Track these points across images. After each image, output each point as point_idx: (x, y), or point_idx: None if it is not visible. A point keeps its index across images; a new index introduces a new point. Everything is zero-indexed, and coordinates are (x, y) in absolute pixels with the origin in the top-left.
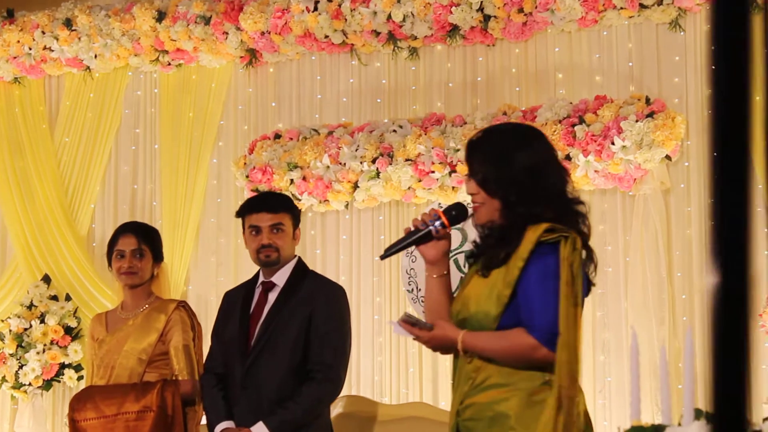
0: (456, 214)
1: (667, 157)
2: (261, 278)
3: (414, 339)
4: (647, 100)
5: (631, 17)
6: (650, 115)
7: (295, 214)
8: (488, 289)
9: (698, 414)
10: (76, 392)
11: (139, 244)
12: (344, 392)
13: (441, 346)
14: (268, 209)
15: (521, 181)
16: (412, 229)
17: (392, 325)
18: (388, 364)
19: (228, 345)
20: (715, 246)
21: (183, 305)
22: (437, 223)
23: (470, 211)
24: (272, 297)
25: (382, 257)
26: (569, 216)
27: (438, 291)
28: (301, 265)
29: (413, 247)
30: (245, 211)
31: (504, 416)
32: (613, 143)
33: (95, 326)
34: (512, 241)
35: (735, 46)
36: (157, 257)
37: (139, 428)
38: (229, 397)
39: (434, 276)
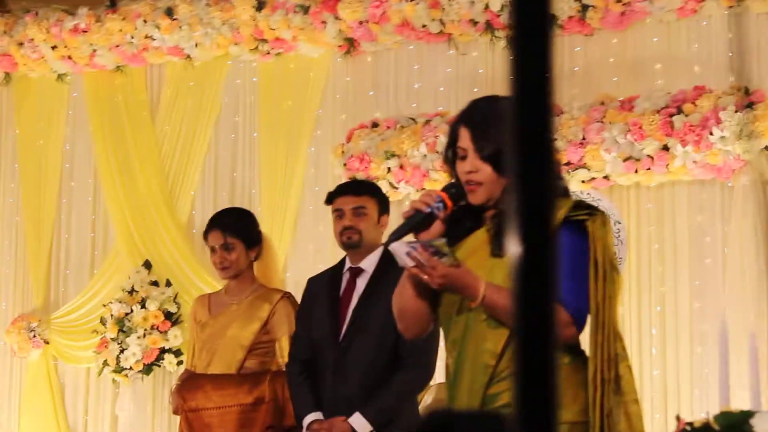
0: (456, 192)
1: (766, 148)
2: (348, 264)
3: (415, 267)
4: (746, 91)
5: (731, 7)
6: (749, 105)
7: (381, 200)
8: (507, 268)
9: None
10: (183, 380)
11: (225, 239)
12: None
13: (451, 286)
14: (351, 192)
15: None
16: (412, 213)
17: (394, 246)
18: None
19: (316, 331)
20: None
21: (288, 296)
22: (440, 205)
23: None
24: (361, 283)
25: (386, 243)
26: (568, 193)
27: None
28: (389, 253)
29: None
30: (332, 196)
31: None
32: (711, 134)
33: (198, 308)
34: None
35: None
36: (251, 243)
37: (253, 419)
38: (316, 385)
39: (407, 267)
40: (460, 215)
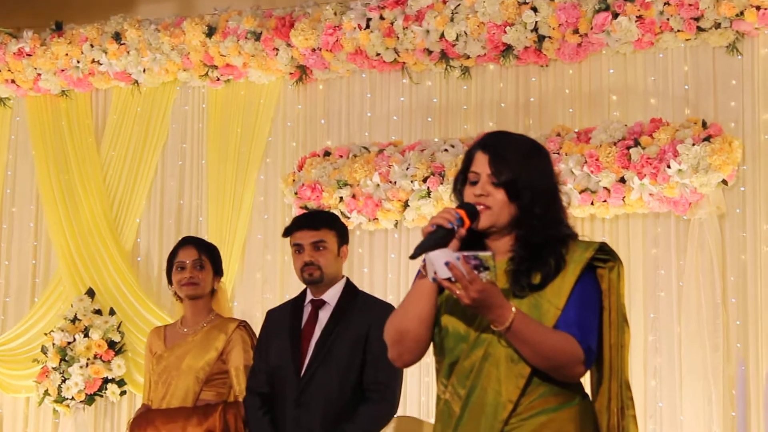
0: (471, 212)
1: (724, 182)
2: (310, 296)
3: (449, 280)
4: (704, 124)
5: (687, 40)
6: (707, 139)
7: (340, 232)
8: (532, 301)
9: None
10: (137, 415)
11: (199, 255)
12: None
13: (482, 305)
14: (310, 227)
15: (548, 191)
16: (432, 228)
17: (435, 254)
18: (434, 384)
19: (277, 363)
20: None
21: (244, 325)
22: (459, 222)
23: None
24: (323, 315)
25: (413, 256)
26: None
27: (432, 295)
28: (350, 285)
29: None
30: (290, 229)
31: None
32: (668, 167)
33: (153, 340)
34: (560, 257)
35: None
36: (217, 271)
37: None
38: (276, 418)
39: (440, 278)
40: (466, 242)
